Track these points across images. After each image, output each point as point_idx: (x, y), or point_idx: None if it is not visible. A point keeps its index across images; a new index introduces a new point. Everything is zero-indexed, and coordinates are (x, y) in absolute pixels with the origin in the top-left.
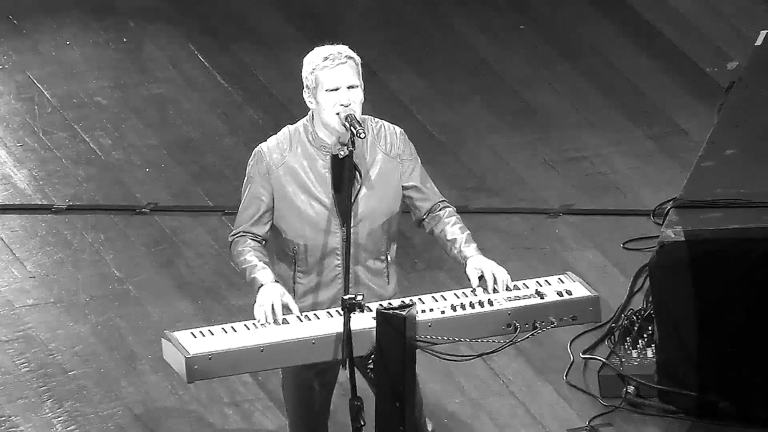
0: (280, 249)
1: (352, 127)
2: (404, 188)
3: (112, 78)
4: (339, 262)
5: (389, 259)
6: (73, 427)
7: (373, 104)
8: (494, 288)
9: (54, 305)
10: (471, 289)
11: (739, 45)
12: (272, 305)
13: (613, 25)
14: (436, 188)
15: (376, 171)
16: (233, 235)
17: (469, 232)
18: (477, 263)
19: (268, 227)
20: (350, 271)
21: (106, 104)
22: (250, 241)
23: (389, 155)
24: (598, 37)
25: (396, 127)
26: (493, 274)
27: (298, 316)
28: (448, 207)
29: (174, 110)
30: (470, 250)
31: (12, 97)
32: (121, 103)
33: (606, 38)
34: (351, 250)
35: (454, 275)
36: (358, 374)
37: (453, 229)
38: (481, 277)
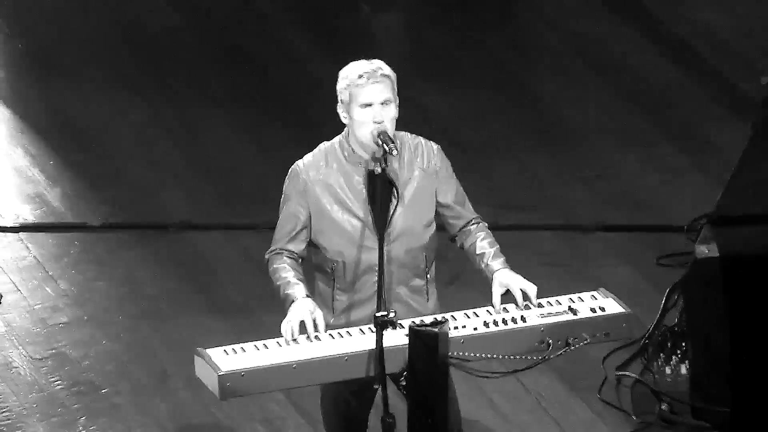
0: (318, 266)
1: (384, 144)
2: (439, 204)
3: (142, 98)
4: (377, 279)
5: (429, 276)
6: None
7: (401, 121)
8: (526, 305)
9: (87, 323)
10: (502, 306)
11: None
12: (300, 321)
13: (644, 40)
14: (470, 206)
15: (414, 187)
16: (270, 252)
17: (498, 246)
18: (503, 278)
19: (304, 244)
20: (389, 288)
21: (137, 124)
22: (286, 258)
23: (426, 171)
24: (629, 52)
25: (433, 144)
26: (521, 290)
27: (330, 334)
28: (480, 222)
29: (204, 129)
30: (497, 264)
31: (45, 116)
32: (153, 122)
33: (637, 53)
34: (388, 268)
35: (485, 292)
36: (392, 391)
37: (482, 243)
38: (506, 294)
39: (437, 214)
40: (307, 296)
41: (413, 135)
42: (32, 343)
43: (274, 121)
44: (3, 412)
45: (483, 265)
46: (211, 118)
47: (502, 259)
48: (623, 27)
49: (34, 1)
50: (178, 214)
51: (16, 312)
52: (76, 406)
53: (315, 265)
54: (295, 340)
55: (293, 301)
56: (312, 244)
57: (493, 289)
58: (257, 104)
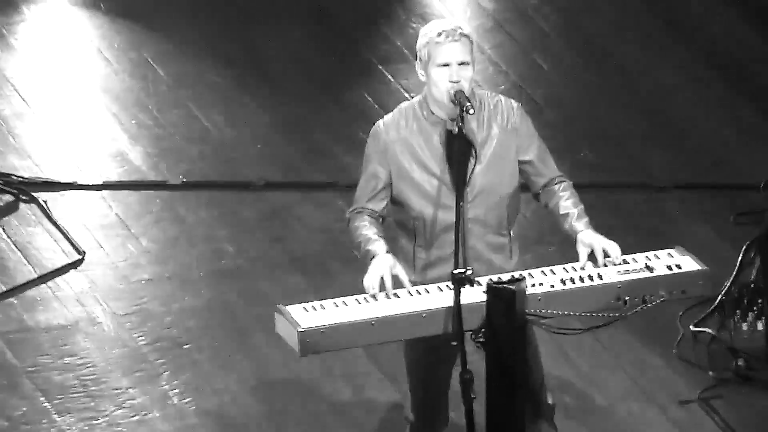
0: (400, 224)
1: (460, 103)
2: (520, 162)
3: (223, 56)
4: (455, 237)
5: (511, 234)
6: (188, 399)
7: (482, 79)
8: (605, 263)
9: (169, 280)
10: (579, 264)
11: None
12: (381, 276)
13: (723, 4)
14: (553, 164)
15: (493, 146)
16: (351, 211)
17: (582, 206)
18: (587, 239)
19: (385, 203)
20: (470, 246)
21: (218, 82)
22: (366, 216)
23: (506, 129)
24: (709, 13)
25: (513, 101)
26: (603, 249)
27: (408, 291)
28: (564, 181)
29: (284, 87)
30: (581, 225)
31: (126, 74)
32: (233, 80)
33: (717, 14)
34: (468, 226)
35: (561, 249)
36: (471, 348)
37: (566, 203)
38: (591, 254)
39: (519, 172)
40: (388, 252)
41: (493, 93)
42: (116, 299)
43: (353, 79)
44: (88, 367)
45: (567, 226)
46: (292, 77)
47: (585, 220)
48: None
49: None
50: (257, 172)
51: (100, 269)
52: (159, 361)
53: (397, 222)
54: (374, 296)
55: (374, 256)
56: (394, 202)
57: (579, 250)
58: (337, 62)
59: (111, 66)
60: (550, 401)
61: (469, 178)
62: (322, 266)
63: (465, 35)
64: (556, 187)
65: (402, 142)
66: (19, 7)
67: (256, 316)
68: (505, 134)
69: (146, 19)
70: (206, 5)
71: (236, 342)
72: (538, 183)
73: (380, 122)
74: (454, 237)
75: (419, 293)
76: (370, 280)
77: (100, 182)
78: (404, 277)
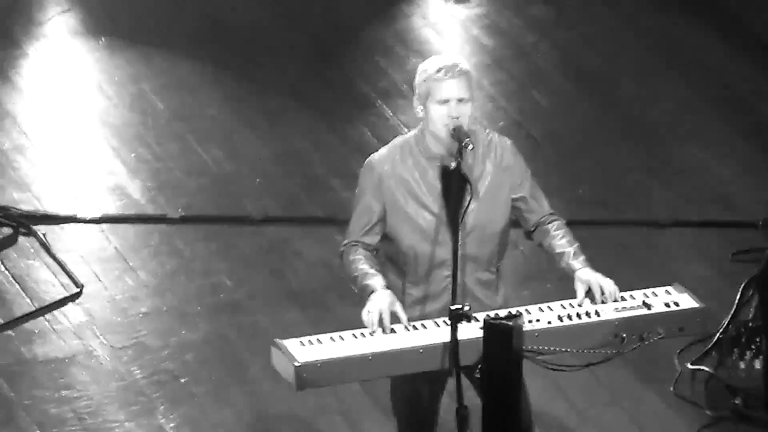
0: (390, 259)
1: (459, 139)
2: (513, 200)
3: (222, 90)
4: (448, 273)
5: (499, 271)
6: None
7: (481, 115)
8: (602, 300)
9: (166, 314)
10: (577, 301)
11: None
12: (380, 312)
13: (721, 39)
14: (545, 201)
15: (487, 183)
16: (345, 245)
17: (578, 244)
18: (584, 276)
19: (379, 237)
20: (459, 282)
21: (217, 116)
22: (361, 250)
23: (499, 167)
24: (707, 50)
25: (506, 139)
26: (600, 286)
27: (405, 326)
28: (557, 220)
29: (284, 121)
30: (578, 263)
31: (126, 108)
32: (232, 114)
33: (714, 50)
34: (460, 262)
35: (559, 286)
36: (465, 383)
37: (561, 242)
38: (589, 291)
39: (512, 209)
40: (387, 287)
41: (487, 130)
42: (113, 332)
43: (353, 114)
44: (84, 400)
45: (564, 264)
46: (291, 111)
47: (582, 258)
48: (701, 24)
49: None
50: (256, 206)
51: (97, 302)
52: (155, 395)
53: (386, 258)
54: (373, 332)
55: (372, 291)
56: (385, 237)
57: (576, 288)
58: (337, 97)
59: (110, 100)
60: None
61: (464, 214)
62: (320, 300)
63: (464, 71)
64: (550, 226)
65: (397, 177)
66: (20, 41)
67: (253, 350)
68: (499, 172)
69: (146, 53)
70: (206, 39)
71: (233, 376)
72: (530, 220)
73: (374, 156)
74: (445, 273)
75: (416, 328)
76: (369, 317)
77: (99, 216)
78: (403, 314)
